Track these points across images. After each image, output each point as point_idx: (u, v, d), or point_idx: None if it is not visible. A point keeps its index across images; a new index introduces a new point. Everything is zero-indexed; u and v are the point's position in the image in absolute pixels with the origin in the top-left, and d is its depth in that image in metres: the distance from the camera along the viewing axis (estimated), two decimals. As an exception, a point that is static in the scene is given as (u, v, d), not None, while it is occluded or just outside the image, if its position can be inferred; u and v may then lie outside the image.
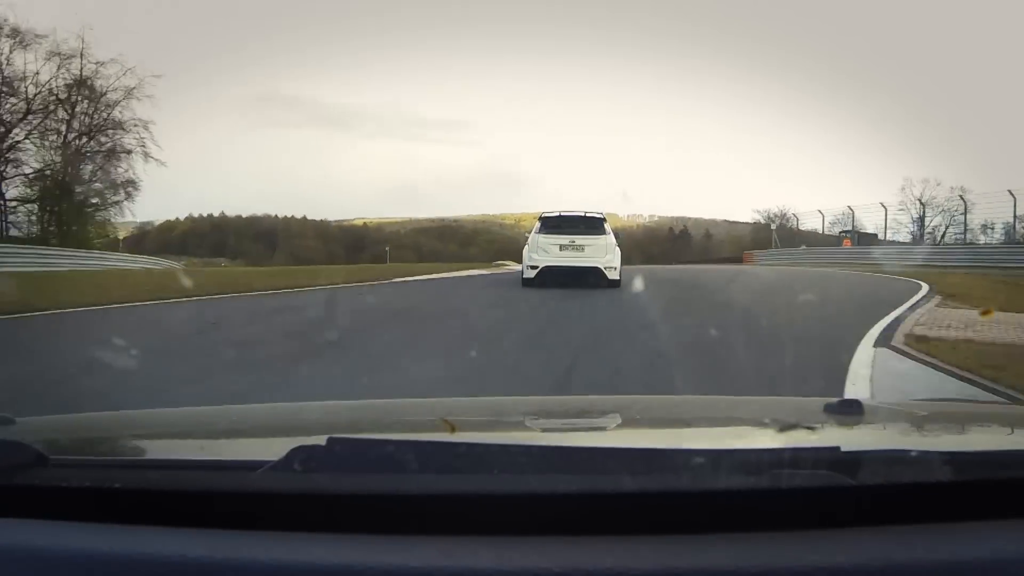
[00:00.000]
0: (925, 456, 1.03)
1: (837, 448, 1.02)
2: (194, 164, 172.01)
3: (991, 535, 0.95)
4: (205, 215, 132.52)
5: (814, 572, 0.89)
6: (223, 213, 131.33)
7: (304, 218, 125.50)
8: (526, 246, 16.84)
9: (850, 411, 1.49)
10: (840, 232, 43.67)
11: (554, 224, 16.61)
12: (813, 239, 44.94)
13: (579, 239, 16.13)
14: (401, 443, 1.20)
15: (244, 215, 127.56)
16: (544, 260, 16.10)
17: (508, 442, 1.27)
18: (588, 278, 15.69)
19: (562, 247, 16.12)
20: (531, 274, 16.13)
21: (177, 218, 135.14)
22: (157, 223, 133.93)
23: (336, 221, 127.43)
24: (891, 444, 1.34)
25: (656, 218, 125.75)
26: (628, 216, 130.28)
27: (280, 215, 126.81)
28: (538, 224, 16.83)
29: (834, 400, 1.52)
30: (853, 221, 42.68)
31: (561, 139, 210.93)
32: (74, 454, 1.33)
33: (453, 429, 1.46)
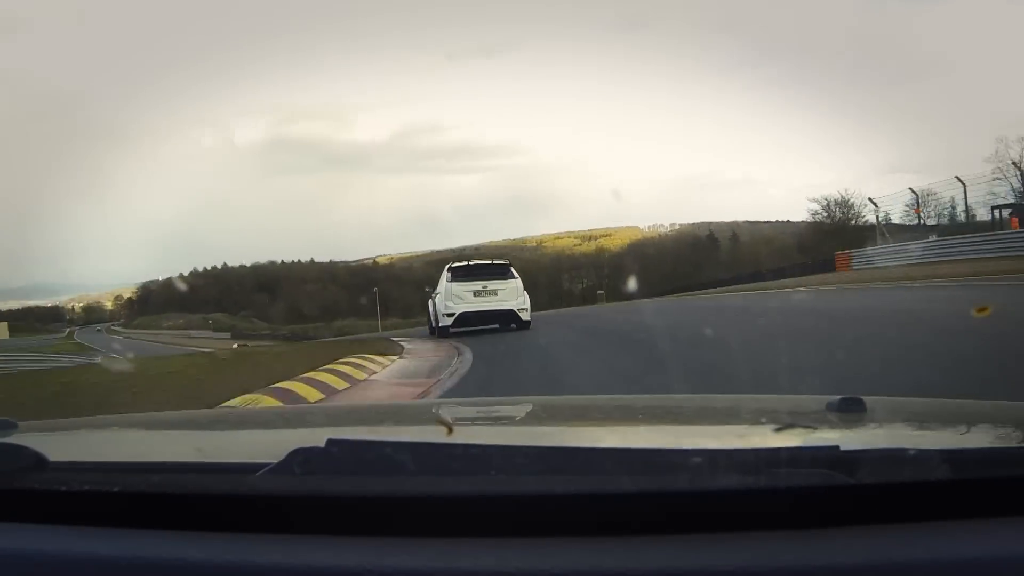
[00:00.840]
0: (925, 455, 1.02)
1: (836, 447, 1.01)
2: (197, 216, 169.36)
3: (991, 534, 0.94)
4: (209, 268, 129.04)
5: (814, 572, 0.89)
6: (225, 264, 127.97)
7: (311, 261, 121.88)
8: (436, 297, 17.89)
9: (850, 409, 1.46)
10: (998, 208, 32.67)
11: (464, 272, 17.60)
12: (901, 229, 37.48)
13: (491, 284, 17.09)
14: (399, 444, 1.20)
15: (248, 263, 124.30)
16: (460, 307, 16.92)
17: (506, 443, 1.27)
18: (501, 321, 16.95)
19: (476, 293, 17.00)
20: (448, 321, 16.87)
21: (180, 274, 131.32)
22: (160, 280, 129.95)
23: (345, 262, 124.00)
24: (891, 443, 1.31)
25: (677, 226, 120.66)
26: (649, 227, 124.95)
27: (285, 260, 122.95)
28: (448, 274, 17.63)
29: (835, 398, 1.49)
30: (919, 202, 35.51)
31: (573, 156, 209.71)
32: (74, 458, 1.34)
33: (451, 430, 1.44)
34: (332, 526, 1.00)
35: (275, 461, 1.04)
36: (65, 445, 1.58)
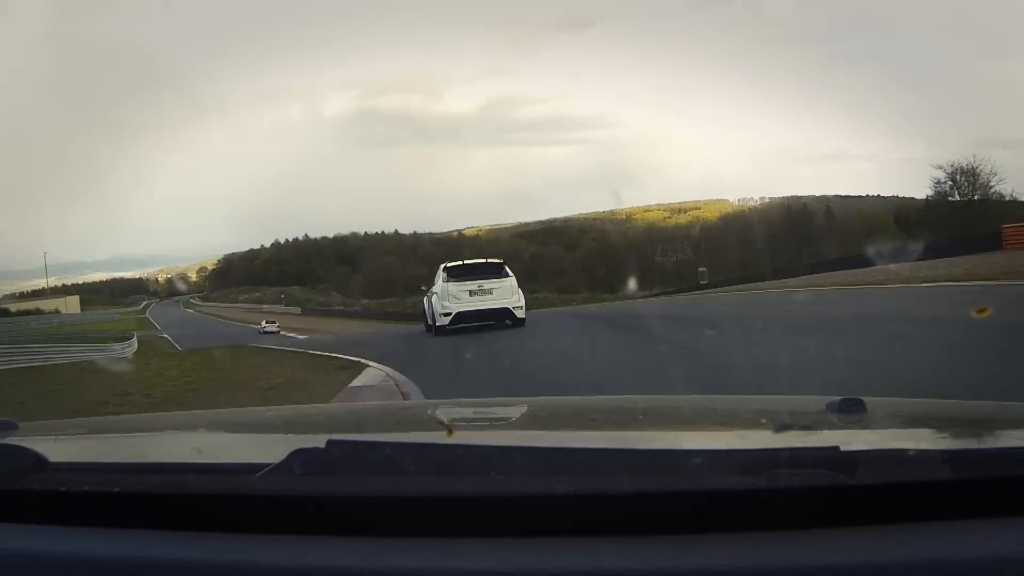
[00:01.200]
0: (925, 455, 1.03)
1: (836, 448, 1.02)
2: (283, 188, 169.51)
3: (991, 534, 0.94)
4: (291, 240, 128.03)
5: (814, 572, 0.89)
6: (307, 235, 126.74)
7: (395, 232, 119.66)
8: (432, 296, 18.06)
9: (850, 410, 1.45)
10: None
11: (459, 272, 17.75)
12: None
13: (486, 283, 17.33)
14: (399, 445, 1.21)
15: (330, 235, 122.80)
16: (456, 306, 17.13)
17: (506, 444, 1.28)
18: (497, 319, 17.16)
19: (471, 292, 17.22)
20: (445, 320, 17.06)
21: (262, 245, 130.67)
22: (240, 252, 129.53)
23: (430, 233, 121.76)
24: (891, 443, 1.32)
25: (767, 199, 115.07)
26: (739, 200, 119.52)
27: (369, 232, 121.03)
28: (443, 274, 17.80)
29: (835, 399, 1.49)
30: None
31: (662, 127, 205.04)
32: (74, 458, 1.36)
33: (451, 431, 1.45)
34: (332, 526, 1.00)
35: (275, 462, 1.04)
36: (65, 446, 1.57)
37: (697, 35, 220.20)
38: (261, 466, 1.05)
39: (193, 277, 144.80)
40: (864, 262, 28.48)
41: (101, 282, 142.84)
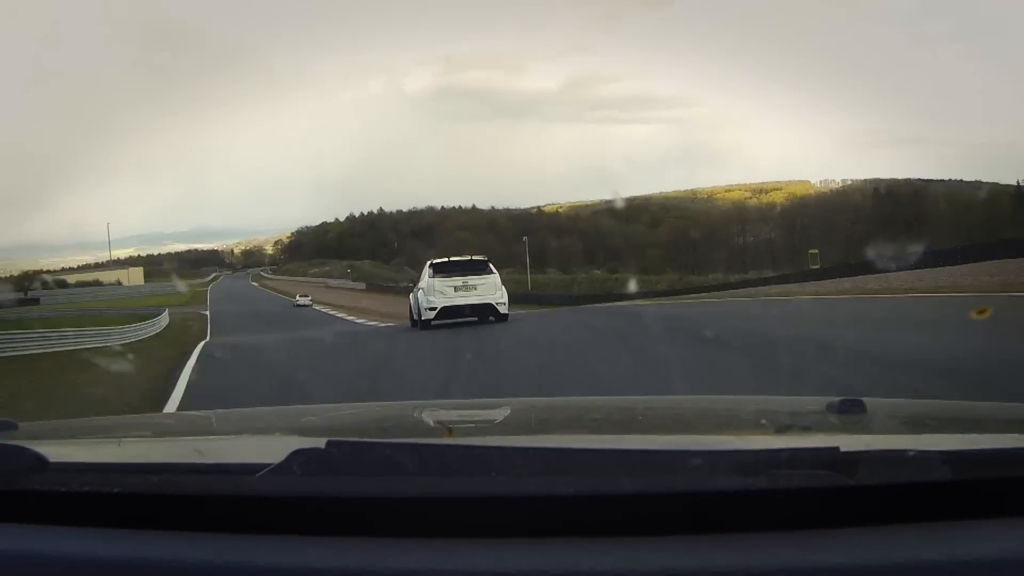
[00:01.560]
0: (925, 456, 1.03)
1: (836, 448, 1.02)
2: (360, 162, 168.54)
3: (991, 534, 0.95)
4: (365, 213, 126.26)
5: (814, 572, 0.90)
6: (381, 209, 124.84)
7: (473, 207, 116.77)
8: (418, 292, 18.43)
9: (850, 411, 1.45)
10: None
11: (445, 268, 18.21)
12: None
13: (471, 279, 17.82)
14: (399, 446, 1.21)
15: (404, 209, 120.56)
16: (442, 301, 17.57)
17: (506, 444, 1.29)
18: (481, 314, 17.59)
19: (456, 288, 17.70)
20: (430, 315, 17.50)
21: (336, 219, 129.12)
22: (314, 226, 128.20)
23: (507, 209, 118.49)
24: (891, 444, 1.32)
25: (848, 182, 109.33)
26: (820, 182, 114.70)
27: (445, 206, 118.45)
28: (429, 270, 18.30)
29: (835, 400, 1.49)
30: None
31: (743, 107, 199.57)
32: (74, 458, 1.36)
33: (451, 432, 1.45)
34: (332, 526, 1.00)
35: (276, 462, 1.04)
36: (65, 446, 1.57)
37: (777, 13, 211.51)
38: (261, 466, 1.04)
39: (269, 250, 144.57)
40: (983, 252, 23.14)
41: (179, 253, 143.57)
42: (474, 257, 19.25)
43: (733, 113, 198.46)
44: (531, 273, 55.67)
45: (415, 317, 18.51)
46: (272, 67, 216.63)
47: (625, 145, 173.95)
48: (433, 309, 17.44)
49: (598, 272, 68.06)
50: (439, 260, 18.81)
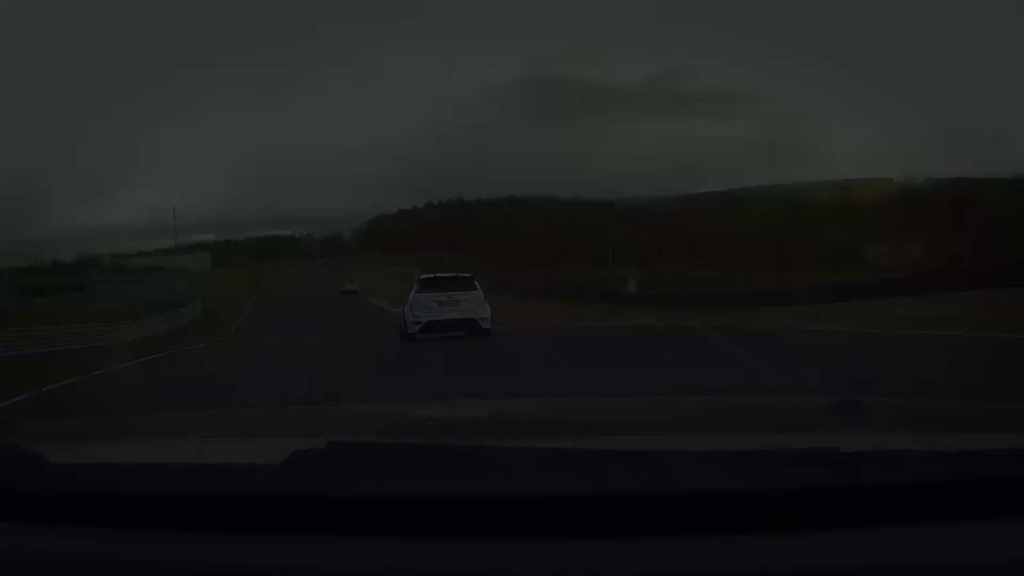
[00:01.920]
0: (925, 456, 1.03)
1: (837, 448, 1.02)
2: (440, 151, 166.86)
3: (991, 534, 0.95)
4: (444, 201, 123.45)
5: (814, 572, 0.90)
6: (460, 197, 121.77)
7: (554, 196, 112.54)
8: (405, 307, 19.20)
9: (850, 411, 1.46)
10: None
11: (430, 284, 19.03)
12: None
13: (455, 295, 18.36)
14: (400, 446, 1.21)
15: (484, 198, 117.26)
16: (427, 316, 18.11)
17: (506, 445, 1.30)
18: (464, 329, 17.84)
19: (441, 303, 18.17)
20: (415, 329, 17.98)
21: (414, 206, 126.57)
22: (389, 215, 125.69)
23: (588, 201, 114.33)
24: (890, 444, 1.31)
25: (932, 179, 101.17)
26: (904, 179, 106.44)
27: (527, 195, 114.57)
28: (416, 285, 19.09)
29: (835, 400, 1.49)
30: None
31: (826, 103, 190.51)
32: (74, 458, 1.35)
33: (451, 432, 1.45)
34: (332, 527, 1.00)
35: (276, 462, 1.04)
36: (65, 446, 1.57)
37: (862, 10, 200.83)
38: (261, 467, 1.04)
39: (345, 237, 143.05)
40: None
41: (259, 239, 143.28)
42: (459, 274, 19.98)
43: (815, 108, 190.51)
44: (613, 269, 51.42)
45: (402, 330, 18.86)
46: (356, 56, 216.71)
47: (707, 139, 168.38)
48: (418, 323, 18.00)
49: (684, 268, 63.35)
50: (426, 276, 19.86)
